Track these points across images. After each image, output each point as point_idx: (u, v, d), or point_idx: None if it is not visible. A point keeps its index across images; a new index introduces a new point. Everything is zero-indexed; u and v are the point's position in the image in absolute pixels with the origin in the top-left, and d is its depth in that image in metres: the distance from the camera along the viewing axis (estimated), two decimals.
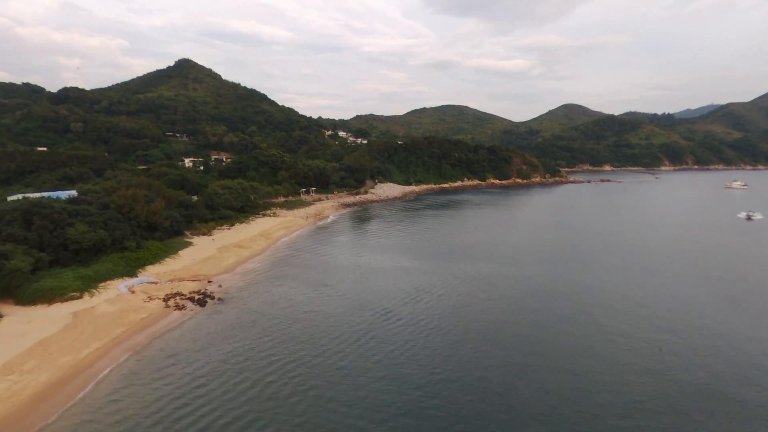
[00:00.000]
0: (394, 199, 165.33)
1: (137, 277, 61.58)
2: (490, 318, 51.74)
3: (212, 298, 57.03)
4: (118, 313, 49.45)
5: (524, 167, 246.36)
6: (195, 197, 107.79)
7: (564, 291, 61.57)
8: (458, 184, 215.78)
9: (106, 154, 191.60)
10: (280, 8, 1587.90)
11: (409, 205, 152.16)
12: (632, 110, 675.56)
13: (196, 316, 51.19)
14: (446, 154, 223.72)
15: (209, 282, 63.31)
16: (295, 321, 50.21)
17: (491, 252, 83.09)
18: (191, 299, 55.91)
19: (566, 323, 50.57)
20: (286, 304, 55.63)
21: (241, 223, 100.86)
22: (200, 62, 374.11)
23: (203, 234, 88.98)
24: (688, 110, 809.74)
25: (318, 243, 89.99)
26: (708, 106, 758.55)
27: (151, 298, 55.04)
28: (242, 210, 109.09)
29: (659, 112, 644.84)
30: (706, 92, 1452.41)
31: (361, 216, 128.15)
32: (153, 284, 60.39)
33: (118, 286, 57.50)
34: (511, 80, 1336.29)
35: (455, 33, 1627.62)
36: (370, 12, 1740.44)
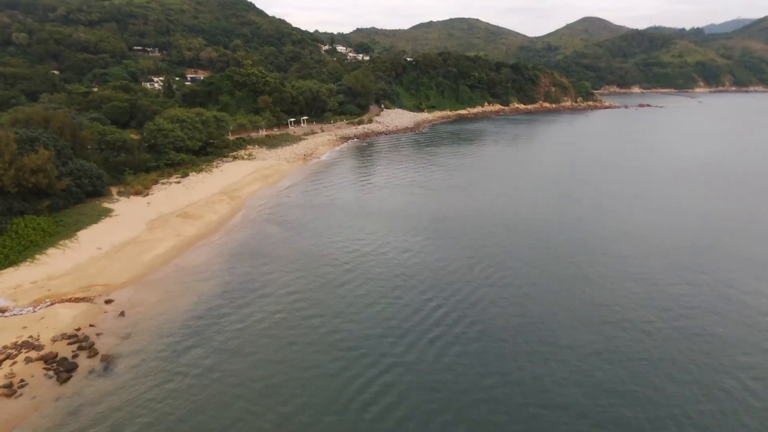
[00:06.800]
0: (405, 130, 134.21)
1: None
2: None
3: (94, 353, 30.09)
4: None
5: (553, 89, 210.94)
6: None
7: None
8: (478, 109, 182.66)
9: (55, 72, 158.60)
10: None
11: (425, 138, 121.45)
12: (655, 25, 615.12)
13: (28, 423, 24.59)
14: (464, 74, 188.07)
15: (107, 303, 36.22)
16: None
17: (556, 236, 55.32)
18: (49, 360, 28.99)
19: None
20: (224, 371, 28.79)
21: (199, 171, 71.96)
22: None
23: (137, 193, 60.72)
24: (712, 25, 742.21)
25: (305, 207, 61.82)
26: (734, 21, 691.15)
27: None
28: (203, 152, 79.74)
29: (684, 28, 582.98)
30: (730, 4, 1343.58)
31: (366, 155, 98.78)
32: None
33: None
34: None
35: None
36: None
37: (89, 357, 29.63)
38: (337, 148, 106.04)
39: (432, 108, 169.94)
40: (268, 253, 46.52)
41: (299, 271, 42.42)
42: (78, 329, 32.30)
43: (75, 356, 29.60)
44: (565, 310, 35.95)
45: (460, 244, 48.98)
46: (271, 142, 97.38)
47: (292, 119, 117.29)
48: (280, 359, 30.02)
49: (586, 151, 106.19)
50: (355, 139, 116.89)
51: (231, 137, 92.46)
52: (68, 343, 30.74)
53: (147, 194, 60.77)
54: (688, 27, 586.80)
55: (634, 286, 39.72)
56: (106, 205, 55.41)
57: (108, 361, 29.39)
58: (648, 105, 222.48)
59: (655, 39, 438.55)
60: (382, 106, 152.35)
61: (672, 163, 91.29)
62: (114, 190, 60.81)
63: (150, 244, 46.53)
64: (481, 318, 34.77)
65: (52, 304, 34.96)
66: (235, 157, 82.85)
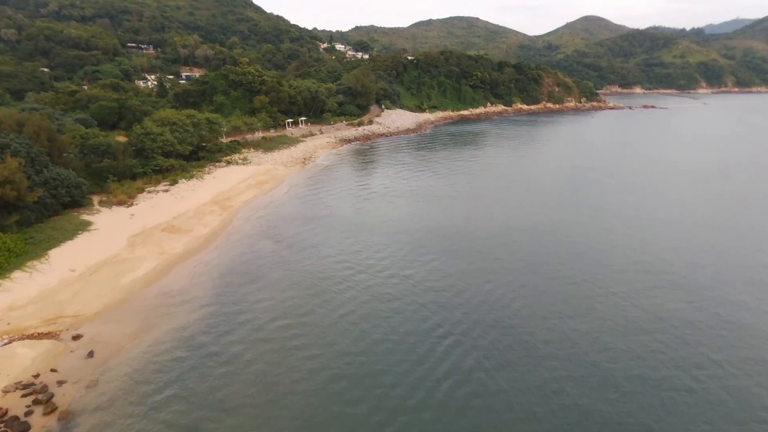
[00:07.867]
0: (407, 131, 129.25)
1: None
2: None
3: (52, 409, 25.26)
4: None
5: (557, 89, 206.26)
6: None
7: None
8: (480, 110, 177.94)
9: (45, 70, 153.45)
10: None
11: (427, 141, 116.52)
12: (655, 25, 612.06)
13: None
14: (466, 74, 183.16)
15: (75, 339, 31.48)
16: None
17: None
18: None
19: None
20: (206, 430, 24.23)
21: (189, 178, 67.09)
22: None
23: (120, 203, 55.91)
24: (711, 25, 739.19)
25: (302, 218, 56.97)
26: (734, 21, 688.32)
27: None
28: (194, 157, 74.83)
29: (684, 28, 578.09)
30: (729, 4, 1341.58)
31: (366, 159, 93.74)
32: None
33: None
34: None
35: None
36: None
37: (45, 414, 24.85)
38: (336, 150, 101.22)
39: (434, 108, 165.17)
40: (260, 274, 41.80)
41: (293, 295, 37.87)
42: (36, 375, 27.58)
43: (29, 413, 24.85)
44: (582, 343, 31.40)
45: (467, 262, 44.47)
46: (267, 145, 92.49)
47: (290, 120, 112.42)
48: (271, 412, 25.38)
49: (597, 157, 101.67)
50: (356, 142, 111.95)
51: (225, 140, 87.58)
52: (23, 395, 25.99)
53: (131, 204, 55.97)
54: (687, 26, 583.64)
55: (659, 321, 35.21)
56: (84, 217, 50.61)
57: (67, 419, 24.64)
58: (652, 106, 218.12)
59: (657, 39, 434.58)
60: (383, 106, 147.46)
61: (695, 177, 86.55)
62: (95, 199, 56.02)
63: (130, 263, 41.76)
64: (492, 352, 30.31)
65: (9, 342, 30.23)
66: (228, 162, 78.00)
